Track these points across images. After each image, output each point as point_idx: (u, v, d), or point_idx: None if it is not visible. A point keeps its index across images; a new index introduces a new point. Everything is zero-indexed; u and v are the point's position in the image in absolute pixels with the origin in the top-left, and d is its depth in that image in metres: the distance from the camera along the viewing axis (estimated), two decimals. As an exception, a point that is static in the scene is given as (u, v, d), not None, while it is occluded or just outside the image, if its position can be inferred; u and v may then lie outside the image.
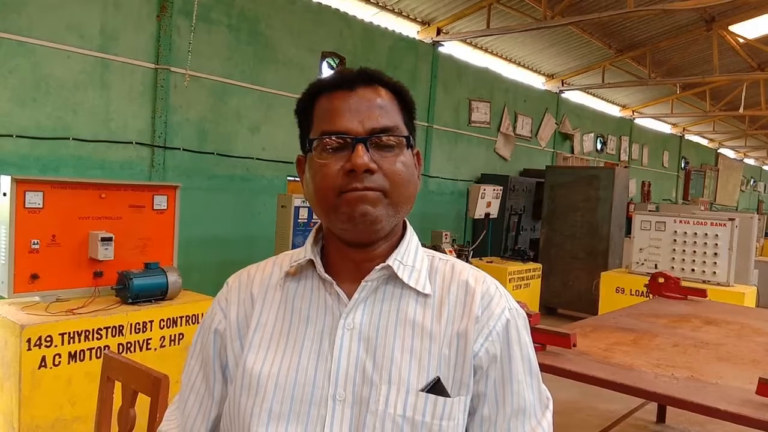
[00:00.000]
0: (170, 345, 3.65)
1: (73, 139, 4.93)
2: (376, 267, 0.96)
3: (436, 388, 0.92)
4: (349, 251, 0.99)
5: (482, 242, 7.89)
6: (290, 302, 1.00)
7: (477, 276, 1.02)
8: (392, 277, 0.97)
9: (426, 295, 0.97)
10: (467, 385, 0.94)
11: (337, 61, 7.10)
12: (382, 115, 0.95)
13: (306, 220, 4.99)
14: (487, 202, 7.68)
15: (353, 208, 0.91)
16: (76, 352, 3.21)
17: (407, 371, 0.92)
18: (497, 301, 0.99)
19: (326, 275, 0.98)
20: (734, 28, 9.93)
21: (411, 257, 1.00)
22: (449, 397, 0.92)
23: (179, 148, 5.62)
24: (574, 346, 2.43)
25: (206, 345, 1.04)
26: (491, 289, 1.00)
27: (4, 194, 3.29)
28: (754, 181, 24.96)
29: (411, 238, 1.03)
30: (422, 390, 0.91)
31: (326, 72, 7.02)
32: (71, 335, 3.19)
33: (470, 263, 5.81)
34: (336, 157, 0.93)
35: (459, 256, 6.67)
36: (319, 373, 0.93)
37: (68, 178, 4.16)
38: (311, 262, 1.00)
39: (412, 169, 0.98)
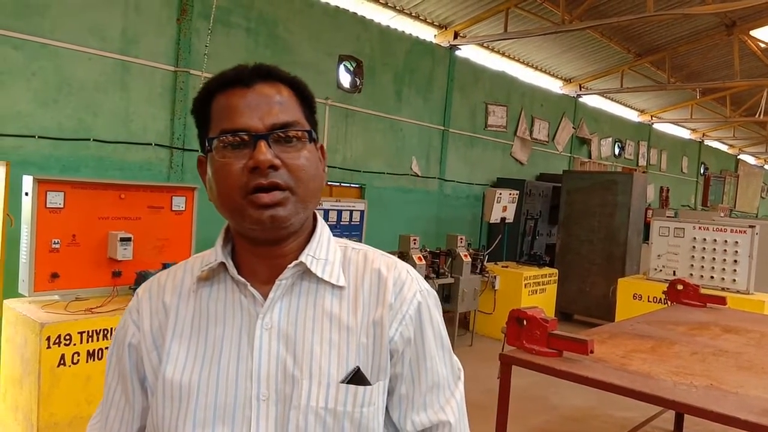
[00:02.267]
0: (186, 345, 3.67)
1: (94, 140, 5.00)
2: (289, 265, 0.95)
3: (356, 377, 0.94)
4: (260, 250, 0.98)
5: (498, 247, 7.86)
6: (205, 308, 0.98)
7: (389, 263, 1.03)
8: (306, 273, 0.97)
9: (341, 288, 0.98)
10: (385, 369, 0.96)
11: (354, 65, 7.13)
12: (282, 111, 0.94)
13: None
14: (503, 206, 7.65)
15: (261, 213, 0.91)
16: (94, 350, 3.24)
17: (327, 364, 0.93)
18: (409, 286, 1.00)
19: (239, 277, 0.96)
20: (755, 32, 9.80)
21: (324, 251, 1.00)
22: (369, 384, 0.94)
23: (197, 150, 5.65)
24: (592, 352, 2.41)
25: (122, 359, 1.02)
26: (402, 274, 1.01)
27: (26, 194, 3.35)
28: (775, 188, 24.56)
29: (322, 230, 1.03)
30: (342, 381, 0.93)
31: (343, 75, 7.05)
32: (90, 334, 3.22)
33: (485, 267, 5.74)
34: (237, 156, 0.91)
35: (474, 261, 6.65)
36: (241, 376, 0.93)
37: (88, 178, 4.21)
38: (223, 265, 0.98)
39: (317, 162, 0.98)
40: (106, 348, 3.27)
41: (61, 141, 4.81)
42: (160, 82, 5.38)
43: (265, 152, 0.90)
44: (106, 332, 3.28)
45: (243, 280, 0.96)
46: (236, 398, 0.93)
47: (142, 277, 3.55)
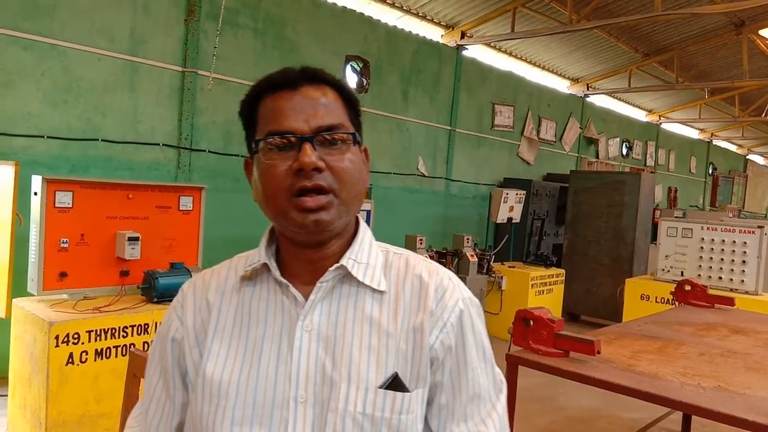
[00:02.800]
0: (194, 344, 3.69)
1: (102, 140, 5.03)
2: (331, 268, 0.96)
3: (394, 383, 0.93)
4: (303, 252, 0.99)
5: (504, 247, 7.84)
6: (247, 307, 1.00)
7: (430, 269, 1.02)
8: (347, 276, 0.98)
9: (381, 292, 0.98)
10: (424, 378, 0.95)
11: (361, 65, 7.14)
12: (327, 113, 0.95)
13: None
14: (510, 206, 7.63)
15: (305, 217, 0.92)
16: (102, 349, 3.27)
17: (366, 368, 0.93)
18: (450, 293, 0.99)
19: (281, 278, 0.98)
20: (764, 32, 9.74)
21: (365, 254, 1.00)
22: (408, 391, 0.93)
23: (205, 150, 5.69)
24: (599, 353, 2.40)
25: (164, 354, 1.04)
26: (444, 281, 1.01)
27: (35, 194, 3.38)
28: (784, 188, 24.38)
29: (364, 234, 1.03)
30: (381, 387, 0.92)
31: (350, 75, 7.06)
32: (98, 333, 3.25)
33: (492, 268, 5.74)
34: (283, 157, 0.93)
35: (481, 261, 6.64)
36: (280, 376, 0.94)
37: (97, 178, 4.24)
38: (266, 266, 1.00)
39: (360, 165, 0.99)
40: (114, 347, 3.30)
41: (70, 141, 4.85)
42: (168, 83, 5.41)
43: (310, 154, 0.91)
44: (114, 331, 3.31)
45: (285, 281, 0.98)
46: (274, 398, 0.93)
47: (149, 277, 3.57)
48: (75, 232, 3.51)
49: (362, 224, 1.04)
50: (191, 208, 4.01)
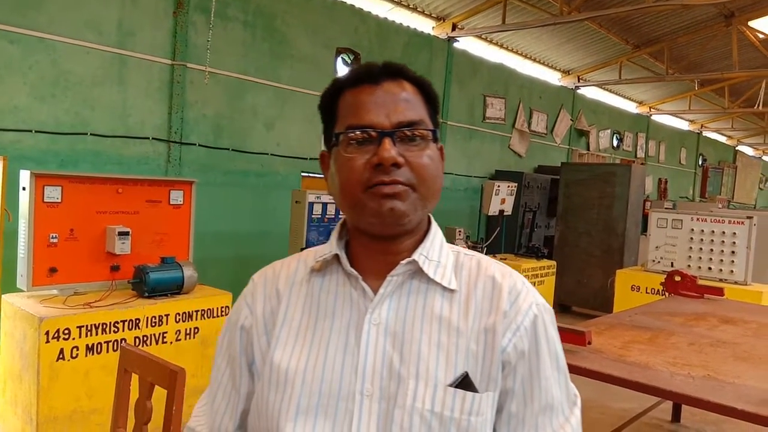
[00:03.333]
0: (186, 339, 3.69)
1: (91, 134, 4.99)
2: (402, 262, 0.96)
3: (464, 383, 0.91)
4: (375, 245, 0.98)
5: (496, 239, 7.86)
6: (316, 298, 1.00)
7: (503, 271, 1.01)
8: (417, 272, 0.97)
9: (452, 291, 0.97)
10: (495, 381, 0.93)
11: (352, 57, 7.11)
12: (408, 109, 0.94)
13: (320, 216, 5.00)
14: (502, 198, 7.65)
15: (381, 204, 0.91)
16: (93, 344, 3.25)
17: (435, 366, 0.92)
18: (524, 297, 0.98)
19: (352, 270, 0.98)
20: (754, 23, 9.77)
21: (436, 252, 0.99)
22: (477, 392, 0.92)
23: (195, 144, 5.66)
24: (589, 343, 2.41)
25: (233, 341, 1.04)
26: (518, 284, 0.99)
27: (24, 188, 3.35)
28: (773, 179, 24.58)
29: (436, 233, 1.03)
30: (450, 385, 0.91)
31: (341, 68, 7.03)
32: (88, 328, 3.23)
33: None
34: (362, 151, 0.93)
35: (473, 253, 6.65)
36: (346, 368, 0.93)
37: (86, 173, 4.21)
38: (336, 258, 1.00)
39: (438, 163, 0.98)
40: (105, 342, 3.29)
41: (58, 135, 4.80)
42: (158, 76, 5.37)
43: (390, 149, 0.91)
44: (104, 326, 3.29)
45: (355, 273, 0.97)
46: (340, 390, 0.93)
47: (140, 272, 3.56)
48: (64, 227, 3.49)
49: (434, 224, 1.04)
50: (182, 203, 3.99)
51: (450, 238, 6.58)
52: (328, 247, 1.02)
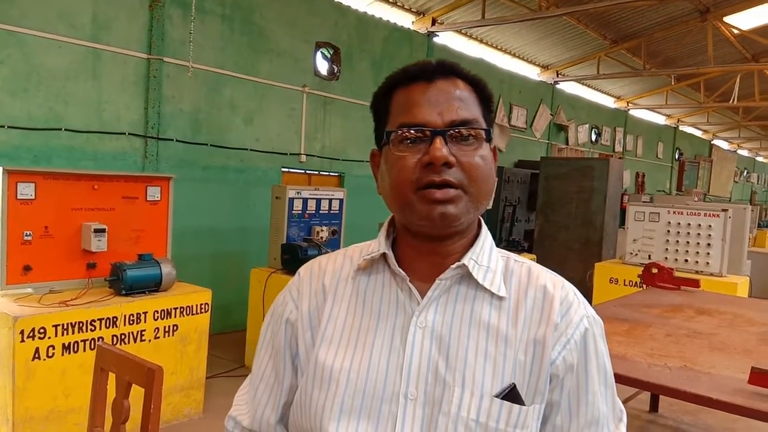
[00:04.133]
0: (164, 336, 3.64)
1: (65, 129, 4.89)
2: (452, 266, 0.94)
3: (511, 394, 0.90)
4: (423, 246, 0.97)
5: (477, 233, 7.89)
6: (362, 296, 0.99)
7: (555, 281, 0.99)
8: (466, 277, 0.95)
9: (501, 298, 0.95)
10: (542, 393, 0.92)
11: (331, 52, 7.07)
12: (462, 108, 0.92)
13: (300, 212, 4.97)
14: (482, 193, 7.67)
15: (432, 209, 0.90)
16: (69, 343, 3.20)
17: (481, 375, 0.90)
18: (576, 309, 0.96)
19: (400, 270, 0.96)
20: (729, 19, 9.93)
21: (486, 257, 0.97)
22: (524, 405, 0.90)
23: (172, 139, 5.58)
24: (568, 336, 2.43)
25: (277, 334, 1.04)
26: (570, 295, 0.97)
27: (-4, 185, 3.27)
28: (747, 173, 25.07)
29: (486, 237, 1.01)
30: (497, 396, 0.89)
31: (320, 62, 6.99)
32: (65, 327, 3.18)
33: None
34: (414, 150, 0.91)
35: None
36: (391, 370, 0.92)
37: (60, 169, 4.13)
38: (384, 256, 0.99)
39: (491, 163, 0.96)
40: (82, 341, 3.24)
41: (31, 131, 4.71)
42: (133, 70, 5.28)
43: (441, 148, 0.89)
44: (81, 325, 3.24)
45: (403, 273, 0.95)
46: (384, 391, 0.91)
47: (117, 269, 3.51)
48: (38, 225, 3.42)
49: (484, 227, 1.01)
50: (159, 199, 3.94)
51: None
52: (375, 245, 1.01)
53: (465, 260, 0.94)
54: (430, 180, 0.89)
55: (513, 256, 1.03)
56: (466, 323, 0.93)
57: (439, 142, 0.89)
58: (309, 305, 1.02)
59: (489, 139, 0.95)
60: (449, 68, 0.96)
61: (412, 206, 0.91)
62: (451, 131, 0.91)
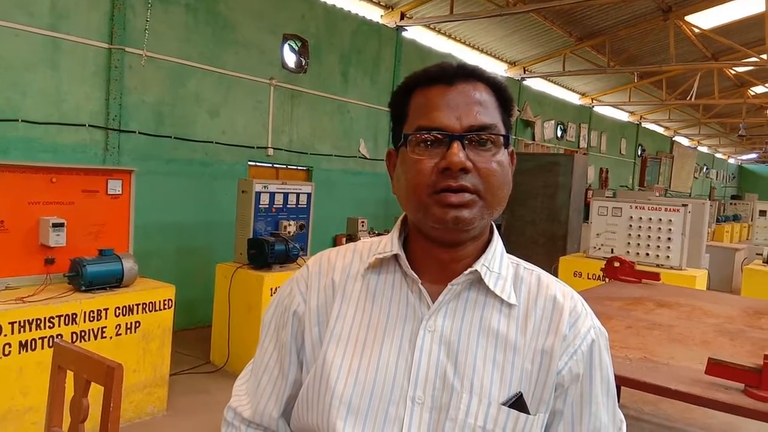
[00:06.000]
0: (126, 333, 3.57)
1: (23, 121, 4.74)
2: (465, 272, 0.94)
3: (517, 403, 0.90)
4: (436, 249, 0.96)
5: (444, 228, 7.93)
6: (371, 296, 0.98)
7: (564, 291, 0.99)
8: (477, 282, 0.95)
9: (510, 306, 0.95)
10: (547, 403, 0.92)
11: (299, 44, 6.99)
12: (481, 112, 0.91)
13: (267, 206, 4.92)
14: (450, 187, 7.70)
15: (446, 213, 0.89)
16: (27, 341, 3.11)
17: (489, 382, 0.90)
18: (584, 320, 0.97)
19: (412, 273, 0.95)
20: (690, 18, 10.17)
21: (497, 264, 0.97)
22: (530, 414, 0.90)
23: (135, 131, 5.45)
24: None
25: (284, 326, 1.03)
26: (578, 306, 0.98)
27: (-53, 178, 3.15)
28: (706, 169, 25.80)
29: (497, 243, 1.01)
30: (504, 404, 0.90)
31: (288, 55, 6.91)
32: (21, 324, 3.09)
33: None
34: (431, 153, 0.90)
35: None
36: (399, 373, 0.92)
37: (17, 161, 4.00)
38: (395, 257, 0.98)
39: (508, 169, 0.95)
40: (41, 338, 3.15)
41: (-14, 122, 4.54)
42: (94, 60, 5.14)
43: (458, 153, 0.88)
44: (39, 322, 3.15)
45: (416, 276, 0.95)
46: (392, 393, 0.91)
47: (76, 264, 3.41)
48: (-7, 219, 3.31)
49: (496, 233, 1.02)
50: (120, 192, 3.84)
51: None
52: (387, 244, 1.00)
53: (477, 266, 0.94)
54: (447, 185, 0.88)
55: (522, 263, 1.03)
56: (476, 330, 0.93)
57: (456, 147, 0.88)
58: (318, 300, 1.00)
59: (507, 144, 0.95)
60: (470, 71, 0.94)
61: (427, 209, 0.90)
62: (470, 136, 0.90)
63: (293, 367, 1.02)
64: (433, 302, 0.94)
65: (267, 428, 1.04)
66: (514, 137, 11.71)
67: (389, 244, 1.00)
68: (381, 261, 0.99)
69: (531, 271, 1.02)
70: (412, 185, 0.91)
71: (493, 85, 0.96)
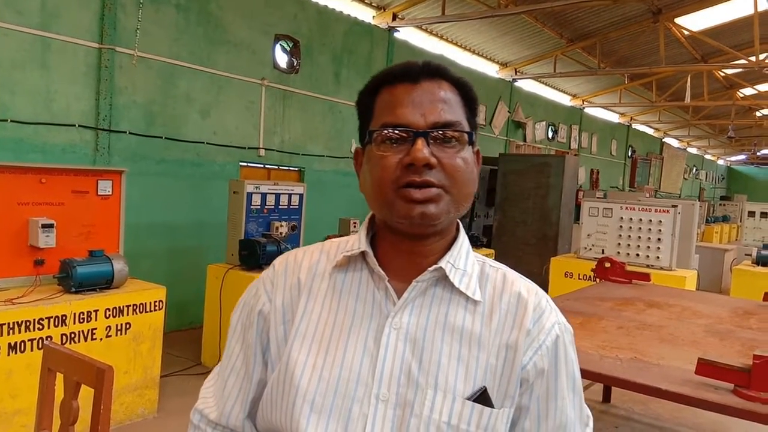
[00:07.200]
0: (117, 335, 3.55)
1: (12, 120, 4.70)
2: (429, 269, 0.94)
3: (482, 397, 0.91)
4: (403, 245, 0.97)
5: (436, 228, 7.94)
6: (337, 294, 0.98)
7: (529, 288, 1.00)
8: (442, 280, 0.96)
9: (476, 302, 0.96)
10: (512, 397, 0.93)
11: (291, 45, 6.98)
12: (445, 110, 0.92)
13: (259, 207, 4.91)
14: (442, 188, 7.71)
15: (411, 208, 0.90)
16: (16, 343, 3.09)
17: (454, 377, 0.91)
18: (548, 316, 0.98)
19: (380, 269, 0.96)
20: (680, 20, 10.24)
21: (463, 261, 0.98)
22: (494, 408, 0.91)
23: (125, 132, 5.42)
24: (524, 330, 2.46)
25: (249, 327, 1.02)
26: (542, 302, 0.99)
27: (-65, 178, 3.12)
28: (696, 170, 25.99)
29: (463, 240, 1.01)
30: (468, 398, 0.90)
31: (279, 55, 6.90)
32: (11, 326, 3.07)
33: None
34: (396, 150, 0.91)
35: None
36: (364, 370, 0.92)
37: (6, 162, 3.96)
38: (362, 254, 0.98)
39: (473, 166, 0.96)
40: (30, 340, 3.12)
41: (-26, 121, 4.50)
42: (84, 60, 5.10)
43: (422, 149, 0.89)
44: (28, 324, 3.12)
45: (383, 273, 0.95)
46: (356, 391, 0.91)
47: (66, 266, 3.39)
48: (-18, 220, 3.28)
49: (462, 230, 1.02)
50: (110, 193, 3.82)
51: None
52: (355, 242, 1.00)
53: (442, 263, 0.95)
54: (411, 180, 0.89)
55: (488, 261, 1.04)
56: (441, 326, 0.94)
57: (420, 143, 0.89)
58: (283, 299, 1.00)
59: (472, 142, 0.96)
60: (435, 69, 0.96)
61: (392, 205, 0.91)
62: (434, 133, 0.91)
63: (258, 368, 1.01)
64: (399, 300, 0.94)
65: (233, 430, 1.04)
66: (508, 138, 11.75)
67: (357, 242, 1.00)
68: (348, 259, 0.99)
69: (497, 269, 1.02)
70: (377, 181, 0.92)
71: (458, 83, 0.97)
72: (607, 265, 4.22)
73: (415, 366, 0.91)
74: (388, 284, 0.95)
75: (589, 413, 1.04)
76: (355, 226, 6.29)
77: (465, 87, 0.98)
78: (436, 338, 0.93)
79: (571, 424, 0.98)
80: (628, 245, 6.05)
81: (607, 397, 4.46)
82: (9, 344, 3.06)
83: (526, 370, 0.94)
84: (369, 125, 0.96)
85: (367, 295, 0.97)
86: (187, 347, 5.24)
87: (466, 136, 0.94)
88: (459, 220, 1.02)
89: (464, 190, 0.94)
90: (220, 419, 1.04)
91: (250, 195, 4.81)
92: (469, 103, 0.98)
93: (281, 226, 5.00)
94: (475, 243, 7.59)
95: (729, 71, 13.65)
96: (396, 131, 0.91)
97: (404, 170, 0.90)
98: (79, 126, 5.11)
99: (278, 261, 1.07)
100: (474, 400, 0.90)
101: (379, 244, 1.00)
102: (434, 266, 0.95)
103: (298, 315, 0.98)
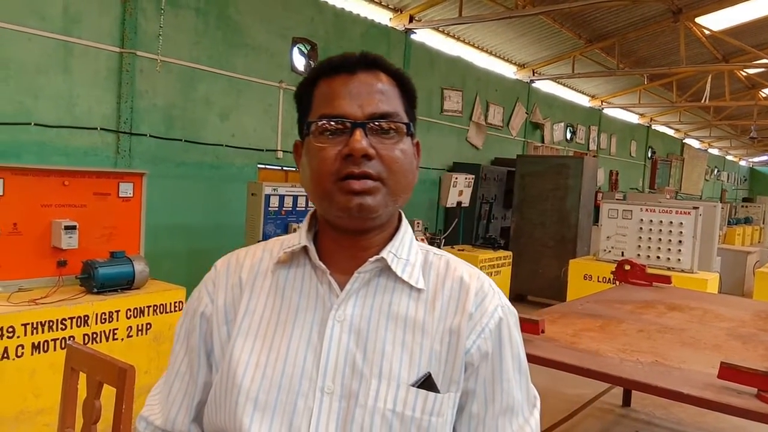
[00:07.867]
0: (137, 335, 3.59)
1: (35, 124, 4.78)
2: (370, 259, 0.94)
3: (426, 383, 0.91)
4: (344, 239, 0.97)
5: (454, 231, 7.93)
6: (280, 290, 0.98)
7: (471, 272, 1.01)
8: (385, 270, 0.96)
9: (419, 290, 0.96)
10: (457, 382, 0.93)
11: (308, 48, 7.02)
12: (382, 101, 0.93)
13: (277, 209, 4.94)
14: (459, 190, 7.71)
15: (350, 200, 0.90)
16: (39, 342, 3.13)
17: (398, 365, 0.91)
18: (490, 299, 0.98)
19: (320, 263, 0.96)
20: (700, 20, 10.10)
21: (405, 250, 0.98)
22: (439, 393, 0.91)
23: (146, 135, 5.49)
24: (543, 332, 2.46)
25: (191, 329, 1.02)
26: (485, 286, 0.99)
27: (-38, 181, 3.19)
28: (717, 171, 25.61)
29: (406, 230, 1.01)
30: (413, 385, 0.91)
31: (297, 58, 6.94)
32: (34, 326, 3.11)
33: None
34: (333, 142, 0.91)
35: (431, 244, 6.68)
36: (308, 364, 0.92)
37: (30, 164, 4.04)
38: (304, 250, 0.98)
39: (411, 158, 0.96)
40: (53, 340, 3.17)
41: (-1, 125, 4.59)
42: (105, 64, 5.18)
43: (361, 140, 0.89)
44: (51, 324, 3.17)
45: (324, 266, 0.95)
46: (300, 386, 0.91)
47: (88, 267, 3.44)
48: (7, 221, 3.34)
49: (404, 221, 1.02)
50: (132, 195, 3.87)
51: (408, 230, 6.60)
52: (296, 238, 1.00)
53: (384, 253, 0.95)
54: (350, 172, 0.89)
55: (433, 249, 1.04)
56: (384, 315, 0.94)
57: (358, 134, 0.89)
58: (225, 299, 1.00)
59: (410, 134, 0.96)
60: (372, 61, 0.96)
61: (331, 197, 0.91)
62: (371, 124, 0.91)
63: (203, 370, 1.01)
64: (342, 292, 0.94)
65: None
66: (526, 140, 11.69)
67: (298, 237, 1.00)
68: (291, 255, 0.99)
69: (440, 257, 1.02)
70: (316, 173, 0.92)
71: (395, 75, 0.97)
72: (627, 267, 4.19)
73: (360, 357, 0.91)
74: (330, 277, 0.95)
75: (536, 394, 1.04)
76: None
77: (403, 79, 0.98)
78: (380, 327, 0.93)
79: (519, 405, 0.98)
80: (649, 247, 5.98)
81: (627, 401, 4.42)
82: (33, 344, 3.11)
83: (470, 353, 0.94)
84: (307, 118, 0.96)
85: (311, 289, 0.97)
86: (206, 348, 5.28)
87: (404, 127, 0.94)
88: (401, 211, 1.02)
89: (403, 181, 0.94)
90: (165, 425, 1.03)
91: (268, 197, 4.85)
92: (407, 94, 0.98)
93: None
94: (493, 244, 7.56)
95: (751, 71, 13.43)
96: (333, 122, 0.91)
97: (343, 162, 0.90)
98: (100, 129, 5.19)
99: (220, 261, 1.06)
100: (418, 387, 0.90)
101: (321, 240, 1.00)
102: (376, 257, 0.95)
103: (240, 313, 0.97)
